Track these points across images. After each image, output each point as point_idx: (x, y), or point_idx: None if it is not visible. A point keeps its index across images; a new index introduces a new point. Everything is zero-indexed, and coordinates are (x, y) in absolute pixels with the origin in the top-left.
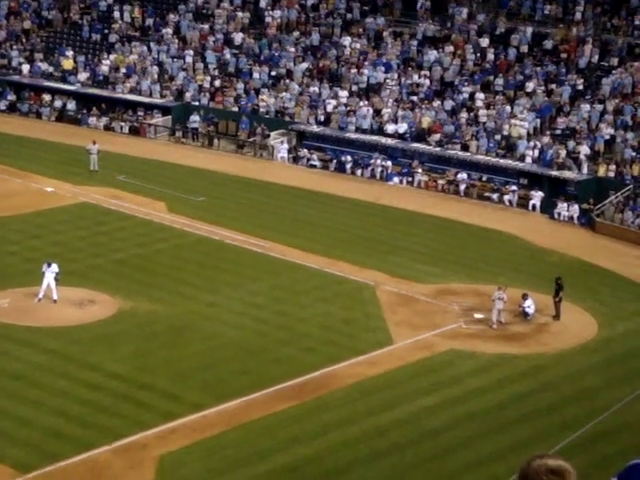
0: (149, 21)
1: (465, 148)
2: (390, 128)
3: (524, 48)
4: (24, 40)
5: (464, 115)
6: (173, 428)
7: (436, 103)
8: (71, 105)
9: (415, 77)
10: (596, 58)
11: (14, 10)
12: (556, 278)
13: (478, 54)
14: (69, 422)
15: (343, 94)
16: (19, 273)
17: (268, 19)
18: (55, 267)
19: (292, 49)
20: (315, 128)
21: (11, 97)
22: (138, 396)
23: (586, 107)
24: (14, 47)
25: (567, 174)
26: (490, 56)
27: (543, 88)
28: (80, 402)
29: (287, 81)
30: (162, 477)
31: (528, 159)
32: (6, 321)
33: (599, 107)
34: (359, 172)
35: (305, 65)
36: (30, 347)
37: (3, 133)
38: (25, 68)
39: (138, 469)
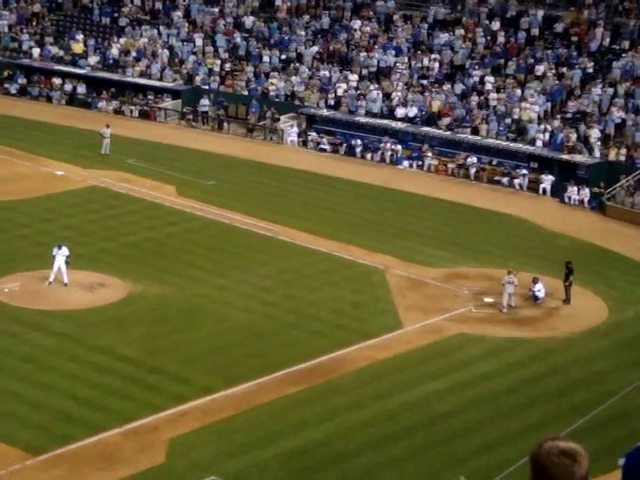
0: (159, 4)
1: (475, 132)
2: (400, 112)
3: (535, 31)
4: (34, 24)
5: (474, 99)
6: (183, 411)
7: (446, 87)
8: (81, 89)
9: (425, 60)
10: (607, 41)
11: None
12: (566, 262)
13: (489, 37)
14: (79, 405)
15: (353, 78)
16: (30, 257)
17: (278, 2)
18: (65, 250)
19: (302, 32)
20: (325, 112)
21: (21, 81)
22: (148, 379)
23: (597, 90)
24: (24, 31)
25: (578, 158)
26: (501, 39)
27: (554, 71)
28: (90, 385)
29: (297, 65)
30: (172, 460)
31: (538, 143)
32: (17, 304)
33: (610, 90)
34: (369, 156)
35: (315, 48)
36: (40, 330)
37: (14, 117)
38: (35, 52)
39: (148, 452)
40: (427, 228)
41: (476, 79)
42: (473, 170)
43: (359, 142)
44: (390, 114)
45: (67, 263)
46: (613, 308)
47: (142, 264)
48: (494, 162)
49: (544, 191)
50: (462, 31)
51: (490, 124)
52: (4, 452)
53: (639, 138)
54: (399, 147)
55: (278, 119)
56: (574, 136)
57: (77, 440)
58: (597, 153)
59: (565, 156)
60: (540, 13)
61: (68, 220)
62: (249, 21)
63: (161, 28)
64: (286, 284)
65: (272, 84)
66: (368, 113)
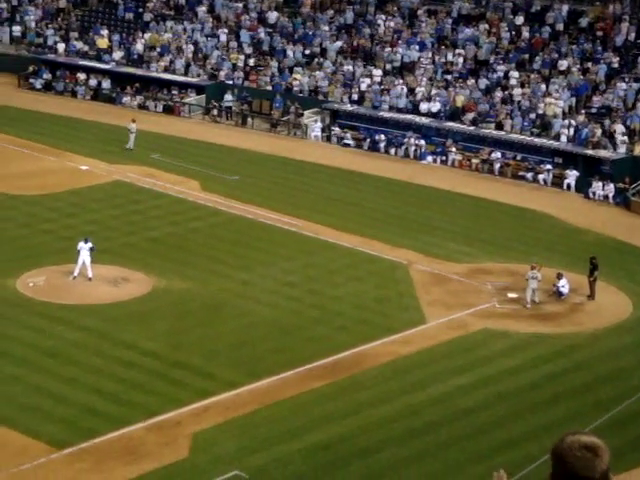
0: (183, 0)
1: (499, 127)
2: (424, 107)
3: (559, 26)
4: (60, 19)
5: (498, 94)
6: (207, 406)
7: (470, 82)
8: (106, 84)
9: (449, 55)
10: (632, 36)
11: None
12: (591, 257)
13: (513, 32)
14: (104, 399)
15: (377, 73)
16: (55, 251)
17: None
18: (90, 243)
19: (326, 27)
20: (349, 107)
21: (47, 76)
22: (172, 374)
23: (622, 85)
24: (50, 26)
25: (602, 153)
26: (525, 34)
27: (579, 66)
28: (115, 379)
29: (321, 60)
30: (196, 454)
31: (563, 138)
32: (42, 299)
33: (635, 85)
34: (393, 151)
35: (339, 44)
36: (65, 325)
37: (39, 112)
38: (60, 47)
39: (172, 446)
40: (451, 223)
41: (500, 74)
42: (497, 165)
43: (383, 137)
44: (414, 109)
45: (92, 250)
46: (638, 304)
47: (166, 259)
48: (518, 157)
49: (568, 186)
50: (486, 26)
51: (514, 119)
52: (29, 446)
53: None
54: (423, 142)
55: (302, 114)
56: (599, 131)
57: (101, 434)
58: (622, 148)
59: (590, 151)
60: (565, 8)
61: (92, 215)
62: (273, 16)
63: (185, 23)
64: (310, 279)
65: (296, 79)
66: (392, 108)
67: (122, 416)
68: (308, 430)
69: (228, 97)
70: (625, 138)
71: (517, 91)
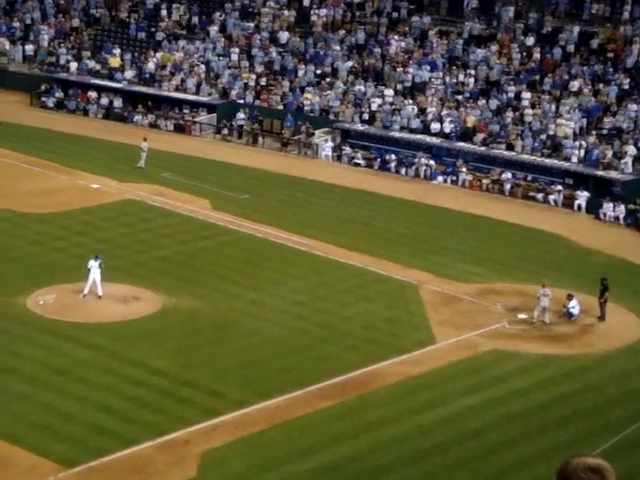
0: (195, 19)
1: (510, 147)
2: (435, 127)
3: (571, 47)
4: (72, 38)
5: (509, 114)
6: (215, 425)
7: (481, 102)
8: (117, 102)
9: (460, 76)
10: None
11: (63, 8)
12: (601, 279)
13: (524, 53)
14: (113, 417)
15: (388, 93)
16: (65, 269)
17: (314, 17)
18: (100, 260)
19: (337, 47)
20: (360, 127)
21: (59, 94)
22: (181, 392)
23: (633, 107)
24: (62, 45)
25: (613, 174)
26: (536, 55)
27: (590, 87)
28: (124, 398)
29: (332, 79)
30: (204, 473)
31: (574, 159)
32: (52, 316)
33: None
34: (403, 171)
35: (350, 63)
36: (75, 343)
37: (50, 130)
38: (73, 66)
39: (181, 465)
40: (461, 244)
41: (511, 95)
42: (508, 186)
43: (393, 157)
44: (425, 129)
45: (100, 266)
46: None
47: (176, 277)
48: (529, 178)
49: (579, 207)
50: (497, 47)
51: (525, 140)
52: (38, 464)
53: None
54: (433, 162)
55: (313, 134)
56: (610, 152)
57: (110, 453)
58: (629, 169)
59: (600, 172)
60: (576, 29)
61: (103, 233)
62: (284, 36)
63: (197, 43)
64: (320, 298)
65: (307, 99)
66: (403, 128)
67: (131, 435)
68: (317, 450)
69: (239, 116)
70: (634, 160)
71: (528, 112)
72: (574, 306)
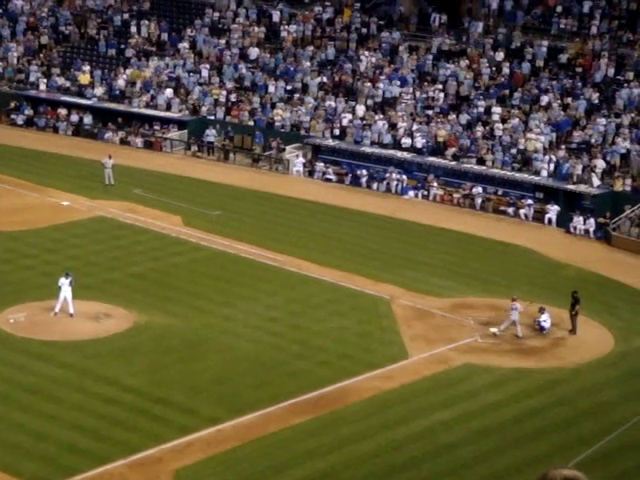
0: (165, 36)
1: (481, 162)
2: (406, 142)
3: (540, 62)
4: (41, 55)
5: (480, 129)
6: (189, 442)
7: (452, 117)
8: (87, 119)
9: (430, 91)
10: (612, 72)
11: (32, 25)
12: (572, 292)
13: (493, 68)
14: (85, 436)
15: (359, 108)
16: (35, 287)
17: (284, 34)
18: (71, 277)
19: (307, 63)
20: (330, 142)
21: (28, 112)
22: (154, 410)
23: (602, 121)
24: (32, 62)
25: (583, 188)
26: (505, 70)
27: (559, 102)
28: (96, 416)
29: (303, 95)
30: None
31: (544, 173)
32: (22, 335)
33: (615, 121)
34: (375, 186)
35: (321, 79)
36: (46, 361)
37: (20, 147)
38: (42, 83)
39: None
40: (433, 258)
41: (481, 109)
42: (479, 200)
43: (364, 172)
44: (396, 144)
45: (71, 284)
46: (619, 338)
47: (148, 294)
48: (499, 192)
49: (549, 221)
50: (467, 62)
51: (495, 154)
52: None
53: None
54: (404, 177)
55: (284, 149)
56: (580, 166)
57: (82, 471)
58: (596, 183)
59: (570, 186)
60: (545, 44)
61: (74, 250)
62: (254, 52)
63: (167, 59)
64: (292, 314)
65: (278, 114)
66: (374, 143)
67: (103, 453)
68: (291, 466)
69: (210, 132)
70: (603, 174)
71: (498, 126)
72: (545, 319)
